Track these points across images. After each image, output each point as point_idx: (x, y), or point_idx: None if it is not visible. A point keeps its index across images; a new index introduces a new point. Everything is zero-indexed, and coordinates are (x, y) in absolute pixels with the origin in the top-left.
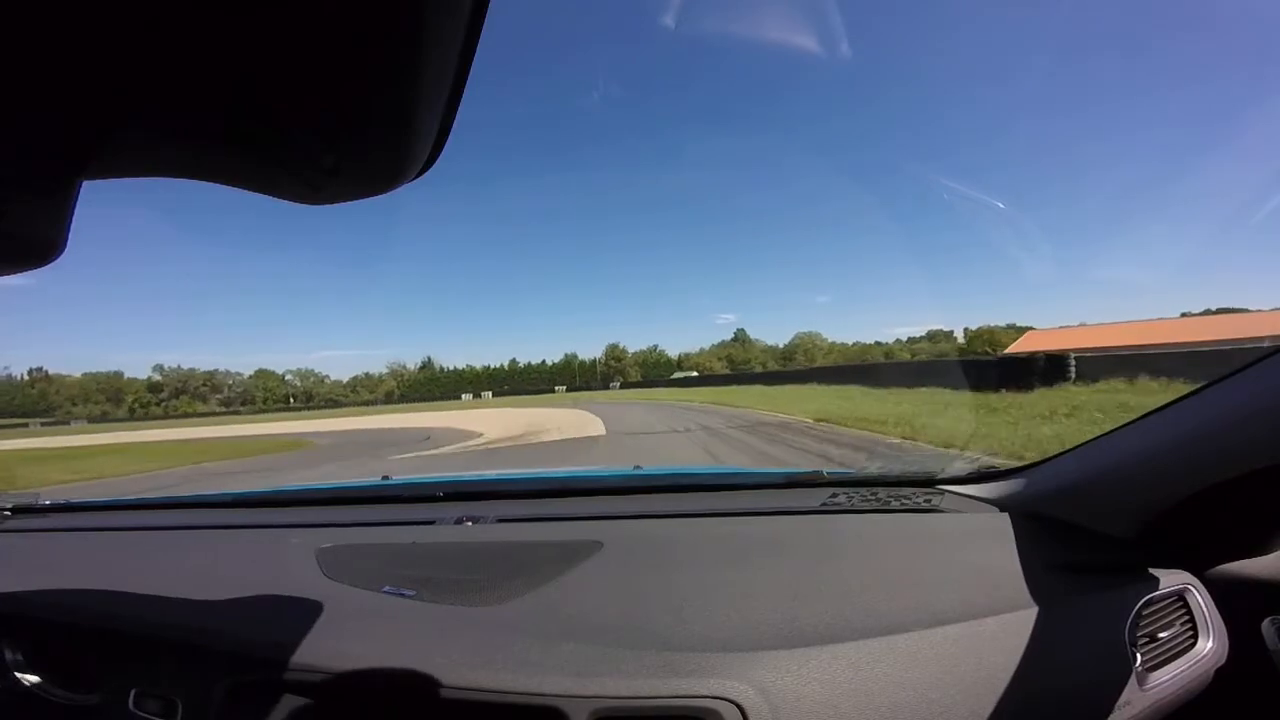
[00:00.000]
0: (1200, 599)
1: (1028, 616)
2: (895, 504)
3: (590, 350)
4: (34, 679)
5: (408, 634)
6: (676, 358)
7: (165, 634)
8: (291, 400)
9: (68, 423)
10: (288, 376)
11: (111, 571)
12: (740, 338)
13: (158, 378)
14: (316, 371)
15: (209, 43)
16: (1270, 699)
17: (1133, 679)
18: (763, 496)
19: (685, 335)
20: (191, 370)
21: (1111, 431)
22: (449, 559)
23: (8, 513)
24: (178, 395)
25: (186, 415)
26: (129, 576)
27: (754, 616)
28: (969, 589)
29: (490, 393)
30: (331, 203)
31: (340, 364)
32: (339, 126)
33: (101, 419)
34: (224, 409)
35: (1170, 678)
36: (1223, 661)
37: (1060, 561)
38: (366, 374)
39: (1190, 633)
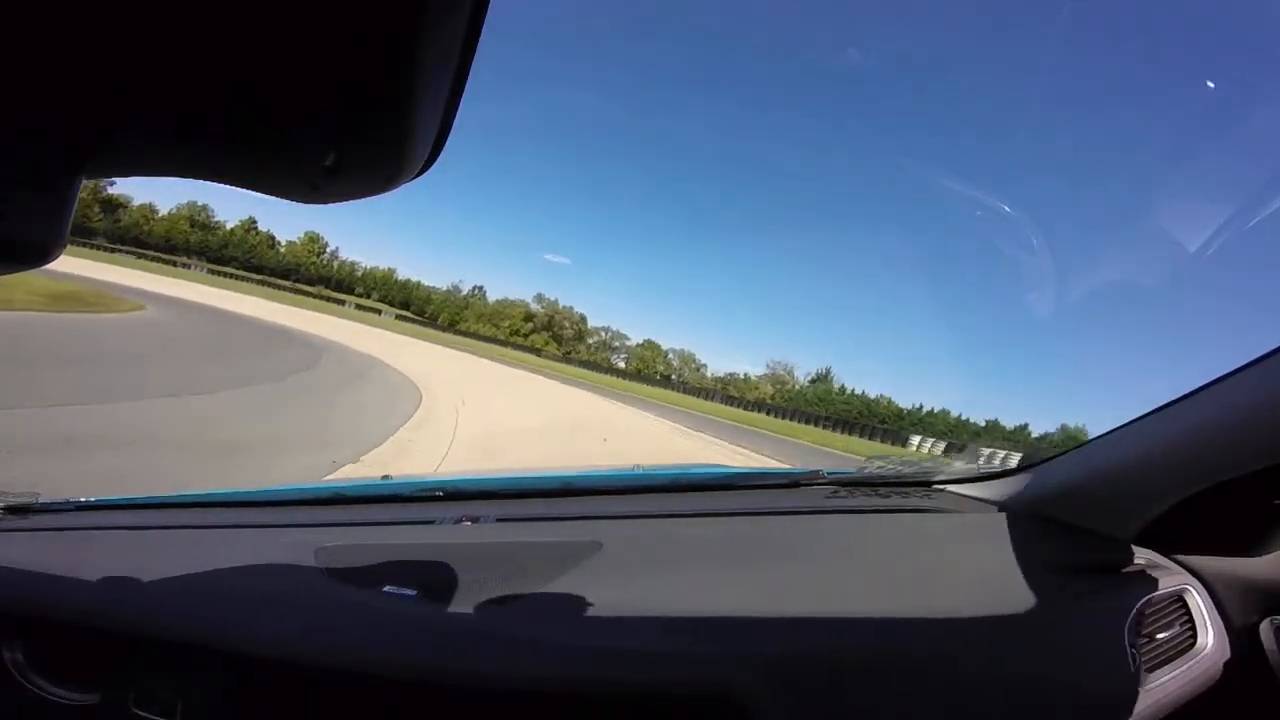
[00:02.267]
0: (1199, 599)
1: (1027, 617)
2: (895, 504)
3: None
4: (33, 679)
5: (409, 634)
6: None
7: (165, 634)
8: (660, 376)
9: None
10: (670, 355)
11: (111, 571)
12: None
13: (536, 308)
14: (697, 357)
15: (209, 42)
16: (1269, 699)
17: (1133, 679)
18: (762, 496)
19: None
20: (567, 309)
21: (1111, 432)
22: (449, 559)
23: (3, 511)
24: (539, 330)
25: (522, 348)
26: (128, 576)
27: (753, 616)
28: (969, 589)
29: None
30: (331, 202)
31: (735, 357)
32: (339, 126)
33: (458, 332)
34: (570, 359)
35: (1170, 678)
36: (1221, 661)
37: (1060, 562)
38: (745, 375)
39: (1190, 633)
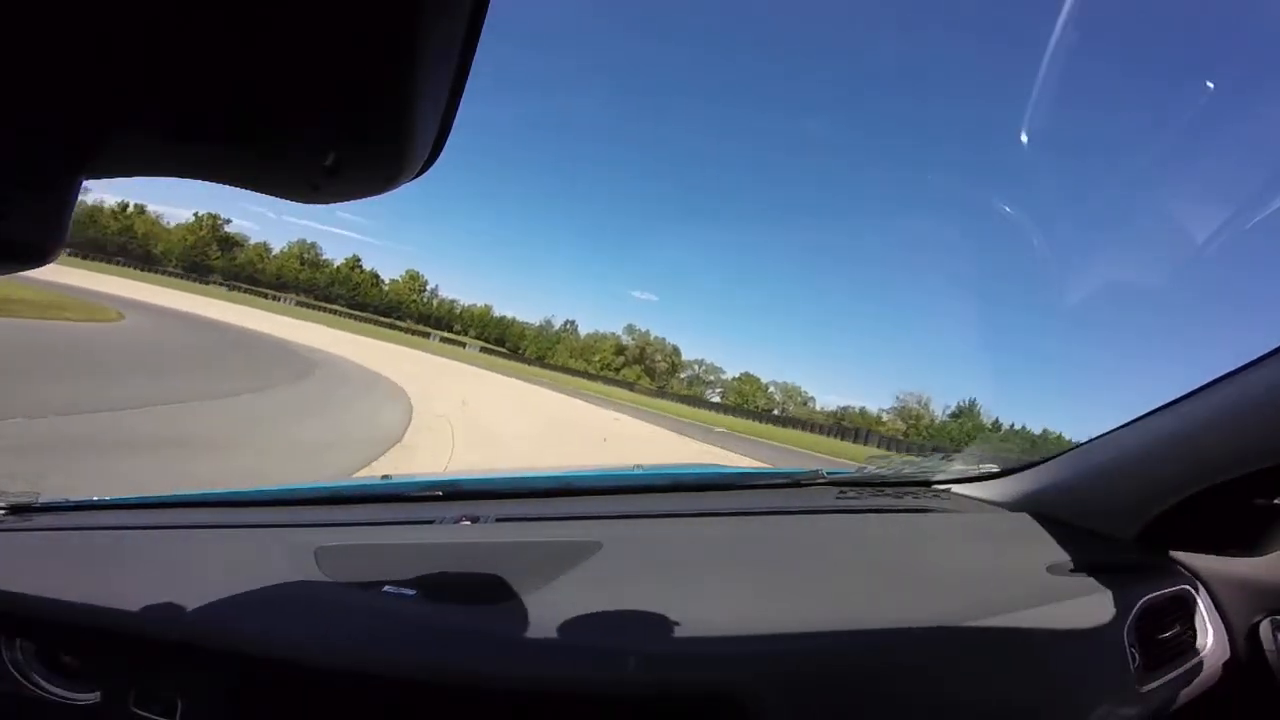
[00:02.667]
0: (1199, 599)
1: (1028, 617)
2: (895, 504)
3: None
4: (34, 679)
5: (409, 634)
6: None
7: (165, 634)
8: (765, 409)
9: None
10: (770, 388)
11: (111, 571)
12: None
13: (627, 341)
14: (803, 390)
15: (209, 42)
16: (1269, 699)
17: (1133, 679)
18: (762, 496)
19: None
20: (659, 340)
21: (1111, 432)
22: (449, 559)
23: (3, 511)
24: (631, 364)
25: (614, 382)
26: (129, 576)
27: (754, 616)
28: (969, 589)
29: None
30: (331, 202)
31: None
32: (339, 126)
33: (546, 366)
34: (665, 394)
35: (1170, 678)
36: (1221, 661)
37: (1060, 562)
38: (861, 409)
39: (1190, 633)
